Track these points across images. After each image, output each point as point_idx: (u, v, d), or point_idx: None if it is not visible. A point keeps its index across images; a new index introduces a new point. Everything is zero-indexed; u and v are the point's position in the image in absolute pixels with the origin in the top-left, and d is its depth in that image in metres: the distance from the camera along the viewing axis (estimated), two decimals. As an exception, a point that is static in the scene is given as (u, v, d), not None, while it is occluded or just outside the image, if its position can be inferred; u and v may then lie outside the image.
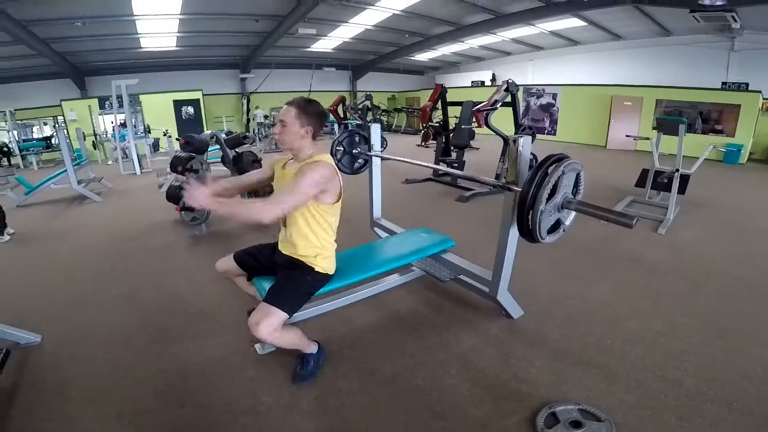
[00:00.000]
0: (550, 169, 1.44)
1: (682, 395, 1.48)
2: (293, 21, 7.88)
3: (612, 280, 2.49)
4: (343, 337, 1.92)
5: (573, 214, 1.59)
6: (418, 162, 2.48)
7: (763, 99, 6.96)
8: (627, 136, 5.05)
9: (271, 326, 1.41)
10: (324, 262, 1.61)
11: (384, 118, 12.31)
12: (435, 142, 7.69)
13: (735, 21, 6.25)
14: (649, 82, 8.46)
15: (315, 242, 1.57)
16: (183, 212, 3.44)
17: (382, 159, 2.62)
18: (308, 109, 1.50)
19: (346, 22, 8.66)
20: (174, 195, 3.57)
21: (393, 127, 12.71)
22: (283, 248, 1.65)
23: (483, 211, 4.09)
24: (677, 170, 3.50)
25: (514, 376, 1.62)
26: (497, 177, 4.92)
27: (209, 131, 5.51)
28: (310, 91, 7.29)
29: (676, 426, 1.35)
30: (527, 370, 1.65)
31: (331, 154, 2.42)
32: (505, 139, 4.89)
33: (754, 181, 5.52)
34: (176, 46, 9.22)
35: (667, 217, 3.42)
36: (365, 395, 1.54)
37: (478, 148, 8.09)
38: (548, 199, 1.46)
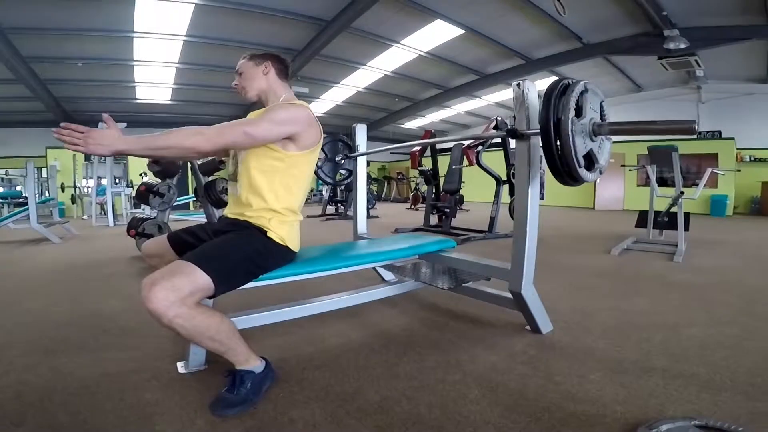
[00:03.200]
0: (568, 88, 1.17)
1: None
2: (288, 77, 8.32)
3: (644, 296, 2.04)
4: (310, 356, 1.35)
5: (608, 145, 1.27)
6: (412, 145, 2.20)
7: (737, 149, 7.24)
8: (622, 165, 5.02)
9: (176, 291, 0.89)
10: (282, 228, 1.16)
11: (374, 187, 12.51)
12: (424, 204, 7.65)
13: (698, 66, 6.67)
14: (628, 137, 8.91)
15: (272, 202, 1.15)
16: (137, 237, 3.00)
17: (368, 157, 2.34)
18: (261, 54, 1.28)
19: (339, 83, 8.91)
20: (134, 225, 3.17)
21: (383, 195, 12.88)
22: (231, 210, 1.22)
23: (478, 250, 3.72)
24: (682, 192, 3.36)
25: (567, 396, 1.06)
26: (492, 220, 4.68)
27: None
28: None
29: None
30: (583, 386, 1.11)
31: None
32: (497, 180, 4.79)
33: (749, 228, 5.39)
34: (170, 100, 9.22)
35: (680, 248, 3.19)
36: (335, 429, 0.95)
37: (468, 210, 8.03)
38: (576, 118, 1.15)
